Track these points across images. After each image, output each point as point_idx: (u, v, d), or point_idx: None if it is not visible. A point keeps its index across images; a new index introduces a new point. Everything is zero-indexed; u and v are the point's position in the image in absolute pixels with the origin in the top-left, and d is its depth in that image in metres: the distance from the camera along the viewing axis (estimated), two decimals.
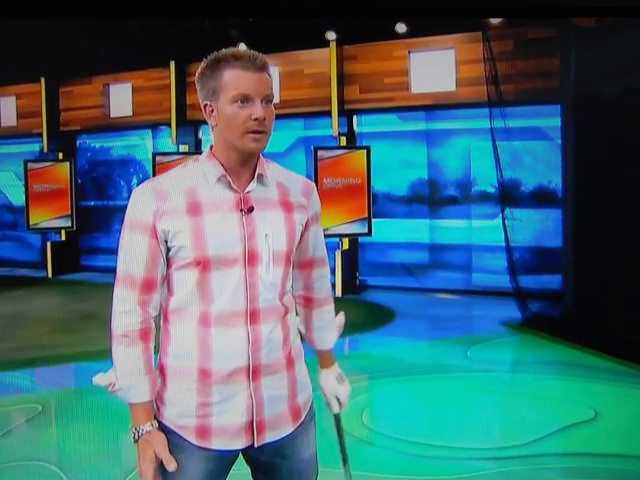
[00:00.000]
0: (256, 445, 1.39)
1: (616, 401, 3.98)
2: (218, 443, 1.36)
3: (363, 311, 6.81)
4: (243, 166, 1.38)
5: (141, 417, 1.36)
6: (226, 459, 1.40)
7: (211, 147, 1.42)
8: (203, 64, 1.37)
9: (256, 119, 1.32)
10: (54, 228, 9.43)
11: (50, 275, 9.24)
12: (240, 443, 1.38)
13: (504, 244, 6.21)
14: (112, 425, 3.62)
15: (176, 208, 1.34)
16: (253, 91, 1.32)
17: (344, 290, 7.43)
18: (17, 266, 10.12)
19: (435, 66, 7.43)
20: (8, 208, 10.54)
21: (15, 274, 9.69)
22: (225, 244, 1.34)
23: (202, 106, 1.37)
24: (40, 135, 9.58)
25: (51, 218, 9.29)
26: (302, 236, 1.48)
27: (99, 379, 1.41)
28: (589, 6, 4.78)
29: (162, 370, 1.40)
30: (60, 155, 9.62)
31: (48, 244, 9.36)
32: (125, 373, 1.36)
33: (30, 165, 9.24)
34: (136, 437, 1.36)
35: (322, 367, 1.65)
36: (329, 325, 1.64)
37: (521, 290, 6.07)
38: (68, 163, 9.39)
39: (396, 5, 5.26)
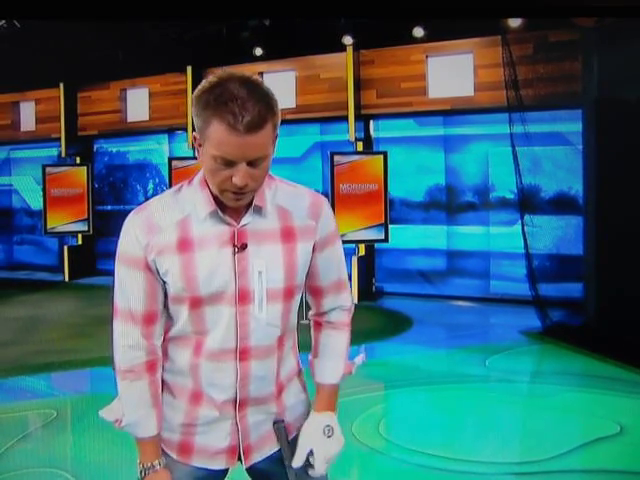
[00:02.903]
0: (244, 467, 1.41)
1: None
2: (198, 461, 1.37)
3: (379, 318, 6.74)
4: None
5: (148, 453, 1.34)
6: (210, 476, 1.40)
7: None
8: (199, 90, 1.20)
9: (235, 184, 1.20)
10: (71, 232, 9.50)
11: (67, 279, 9.30)
12: (220, 464, 1.38)
13: (523, 251, 6.10)
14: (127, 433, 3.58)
15: (166, 243, 1.28)
16: (236, 157, 1.17)
17: (360, 297, 7.36)
18: (34, 269, 10.22)
19: (453, 70, 7.36)
20: (26, 212, 10.64)
21: (32, 277, 9.78)
22: (216, 283, 1.27)
23: (193, 134, 1.26)
24: (58, 140, 9.67)
25: (68, 222, 9.35)
26: (310, 263, 1.37)
27: (105, 413, 1.38)
28: (589, 6, 4.69)
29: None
30: (78, 160, 9.70)
31: (65, 248, 9.44)
32: (132, 408, 1.33)
33: (48, 169, 9.31)
34: (142, 474, 1.34)
35: (313, 408, 1.43)
36: (333, 354, 1.44)
37: (541, 298, 5.96)
38: (85, 168, 9.46)
39: (414, 5, 5.21)
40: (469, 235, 7.54)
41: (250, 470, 1.45)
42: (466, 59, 7.26)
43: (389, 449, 3.43)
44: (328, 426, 1.38)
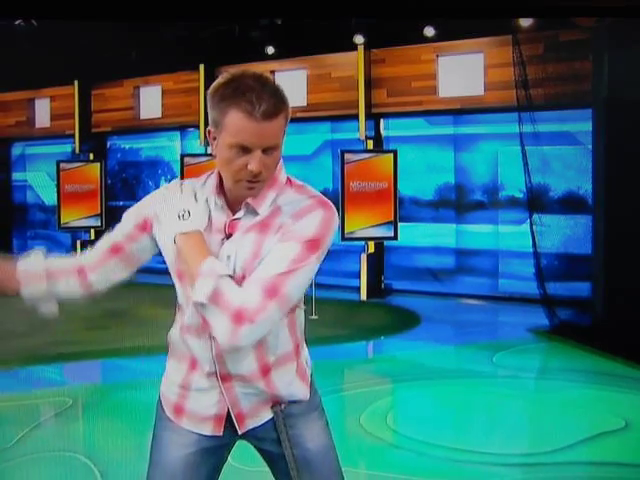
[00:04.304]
0: (240, 432, 1.44)
1: None
2: (188, 424, 1.44)
3: (388, 315, 6.79)
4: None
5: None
6: (202, 443, 1.43)
7: None
8: (215, 85, 1.28)
9: (251, 171, 1.27)
10: (84, 227, 9.62)
11: None
12: (207, 430, 1.43)
13: (532, 250, 6.14)
14: (139, 420, 3.68)
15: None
16: (253, 143, 1.25)
17: (369, 294, 7.42)
18: None
19: (463, 70, 7.40)
20: (40, 207, 10.80)
21: None
22: None
23: (207, 129, 1.33)
24: (72, 136, 9.80)
25: (81, 217, 9.48)
26: None
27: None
28: (589, 6, 4.72)
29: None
30: (91, 156, 9.83)
31: (78, 243, 9.56)
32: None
33: (62, 165, 9.44)
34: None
35: None
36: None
37: (549, 297, 5.98)
38: (99, 164, 9.58)
39: (424, 5, 5.25)
40: (478, 234, 7.58)
41: (260, 451, 1.51)
42: (476, 58, 7.30)
43: (397, 440, 3.49)
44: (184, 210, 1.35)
